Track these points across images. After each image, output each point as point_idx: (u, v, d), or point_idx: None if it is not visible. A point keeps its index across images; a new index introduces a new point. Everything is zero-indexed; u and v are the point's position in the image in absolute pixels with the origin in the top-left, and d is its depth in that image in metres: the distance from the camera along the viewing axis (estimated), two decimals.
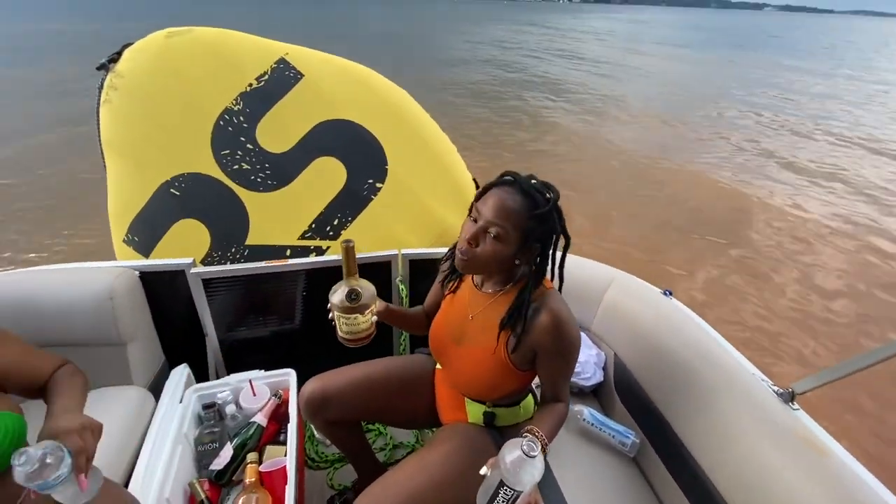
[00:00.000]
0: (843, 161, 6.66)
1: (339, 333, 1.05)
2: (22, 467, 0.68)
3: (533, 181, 0.94)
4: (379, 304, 1.12)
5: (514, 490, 0.79)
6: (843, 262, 4.01)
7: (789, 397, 1.05)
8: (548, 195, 0.91)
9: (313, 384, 1.17)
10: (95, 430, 0.76)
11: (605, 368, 1.47)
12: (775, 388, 1.08)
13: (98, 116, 1.55)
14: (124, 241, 1.55)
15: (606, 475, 1.21)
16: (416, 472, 0.99)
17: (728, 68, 16.47)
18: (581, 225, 4.32)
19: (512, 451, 0.80)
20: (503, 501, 0.81)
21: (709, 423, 1.07)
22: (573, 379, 1.43)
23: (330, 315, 1.05)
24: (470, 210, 0.97)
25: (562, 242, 0.95)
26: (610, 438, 1.25)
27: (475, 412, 1.11)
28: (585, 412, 1.30)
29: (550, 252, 0.95)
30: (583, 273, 1.55)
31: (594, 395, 1.51)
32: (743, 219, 4.73)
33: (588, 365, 1.43)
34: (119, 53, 1.57)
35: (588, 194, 5.07)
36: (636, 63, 15.70)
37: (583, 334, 1.52)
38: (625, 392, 1.37)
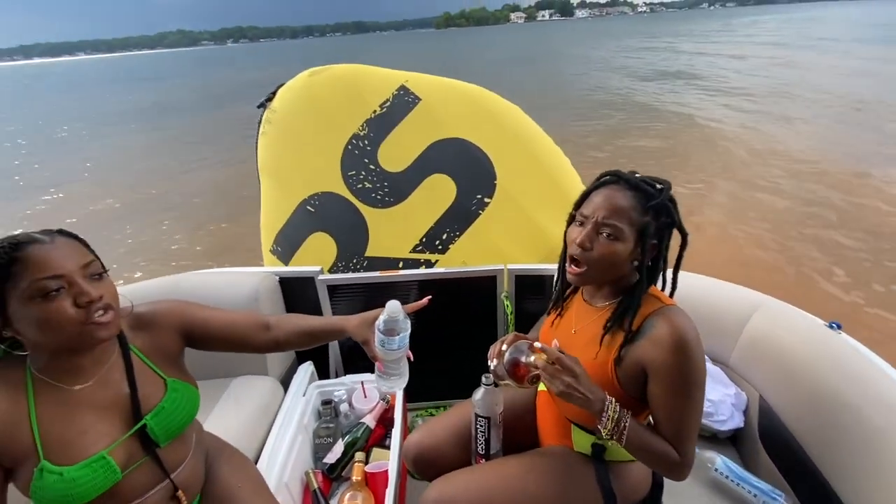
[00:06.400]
0: None
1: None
2: (392, 313, 0.84)
3: (637, 174, 0.85)
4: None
5: (483, 416, 0.99)
6: None
7: None
8: (658, 185, 0.83)
9: (416, 439, 1.10)
10: None
11: (745, 412, 1.23)
12: None
13: (257, 146, 1.85)
14: (271, 250, 1.81)
15: None
16: (493, 474, 0.95)
17: None
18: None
19: (478, 389, 0.98)
20: (482, 428, 1.00)
21: (889, 492, 0.82)
22: (704, 420, 1.22)
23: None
24: (571, 217, 0.90)
25: (677, 241, 0.85)
26: (750, 497, 1.03)
27: (582, 442, 0.98)
28: (718, 461, 1.10)
29: (666, 252, 0.85)
30: (719, 298, 1.33)
31: (731, 442, 1.28)
32: None
33: (724, 405, 1.21)
34: (274, 93, 1.86)
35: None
36: None
37: (718, 369, 1.31)
38: (772, 443, 1.13)
